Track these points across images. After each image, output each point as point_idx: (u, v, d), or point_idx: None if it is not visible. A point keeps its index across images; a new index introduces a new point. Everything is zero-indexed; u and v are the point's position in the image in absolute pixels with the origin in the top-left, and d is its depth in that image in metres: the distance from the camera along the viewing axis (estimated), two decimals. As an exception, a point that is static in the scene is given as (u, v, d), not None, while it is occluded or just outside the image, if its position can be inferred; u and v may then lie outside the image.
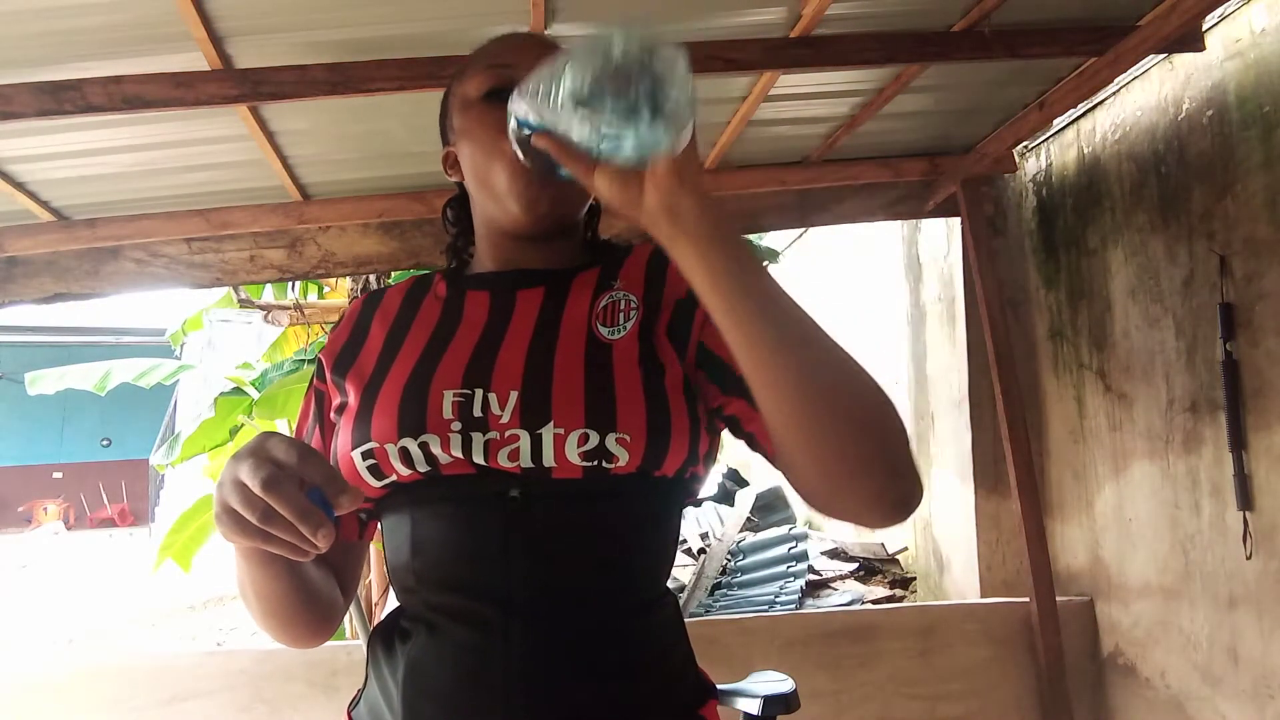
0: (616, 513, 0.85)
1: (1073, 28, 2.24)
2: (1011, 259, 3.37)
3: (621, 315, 0.92)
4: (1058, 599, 2.98)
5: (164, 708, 2.89)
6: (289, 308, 5.20)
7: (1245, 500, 2.32)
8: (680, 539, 0.91)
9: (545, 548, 0.83)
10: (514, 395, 0.85)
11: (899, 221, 4.06)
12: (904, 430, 0.77)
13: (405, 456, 0.84)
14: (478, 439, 0.83)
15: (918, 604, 3.83)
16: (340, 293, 5.36)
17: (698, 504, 1.16)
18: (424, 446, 0.83)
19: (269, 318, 5.27)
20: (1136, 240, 2.73)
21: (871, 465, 0.74)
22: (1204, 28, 2.35)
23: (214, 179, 2.76)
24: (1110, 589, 2.97)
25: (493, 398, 0.85)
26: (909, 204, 3.28)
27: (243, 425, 4.96)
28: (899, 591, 4.27)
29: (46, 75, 2.01)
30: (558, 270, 0.98)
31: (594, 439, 0.82)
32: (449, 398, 0.85)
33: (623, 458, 0.82)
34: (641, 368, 0.86)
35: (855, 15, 2.14)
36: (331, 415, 0.96)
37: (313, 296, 5.52)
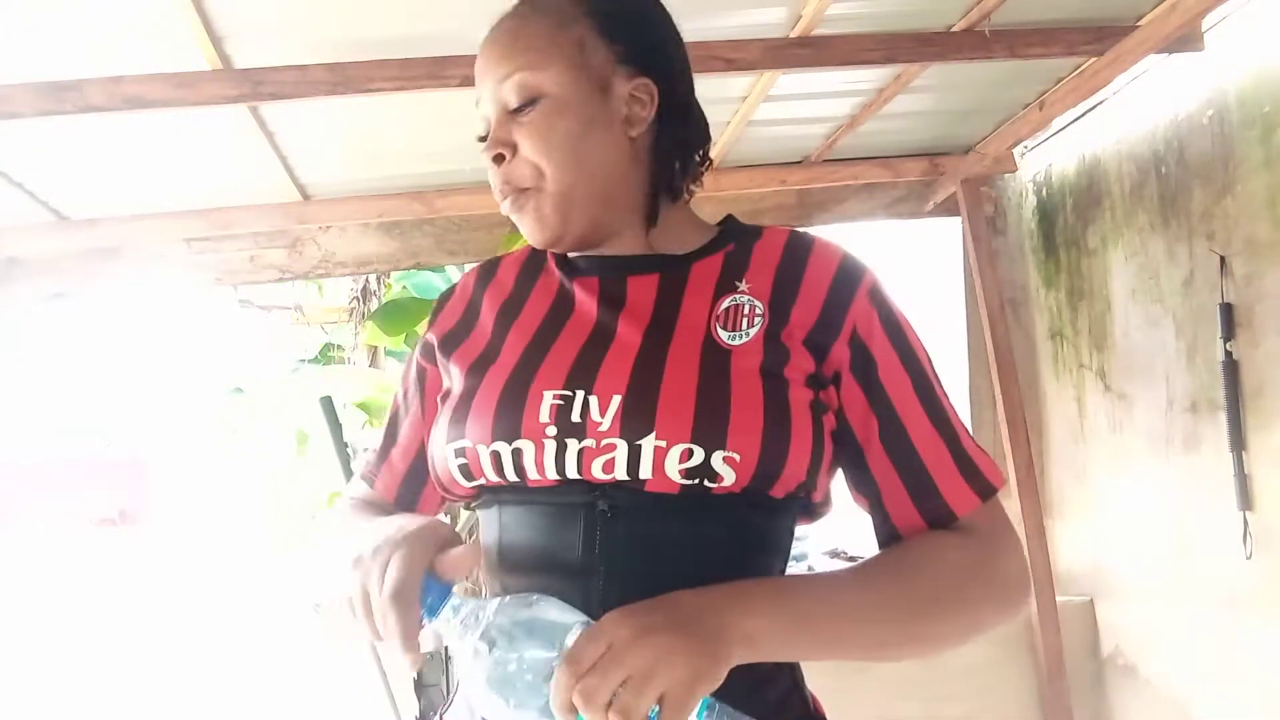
0: (713, 532, 0.79)
1: (1072, 28, 2.24)
2: (1011, 259, 3.37)
3: (745, 320, 0.84)
4: (1058, 599, 2.98)
5: (162, 707, 2.89)
6: (289, 308, 5.20)
7: (1245, 500, 2.32)
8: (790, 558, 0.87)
9: (631, 565, 0.77)
10: (617, 400, 0.78)
11: (899, 221, 4.05)
12: (1010, 598, 0.84)
13: (496, 462, 0.80)
14: (572, 446, 0.78)
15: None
16: (340, 292, 5.36)
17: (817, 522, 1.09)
18: (517, 454, 0.79)
19: (269, 318, 5.27)
20: (1136, 240, 2.73)
21: (982, 633, 0.83)
22: (1204, 28, 2.35)
23: (214, 179, 2.76)
24: (1110, 589, 2.97)
25: (594, 401, 0.79)
26: (909, 204, 3.28)
27: (243, 425, 4.96)
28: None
29: (47, 75, 2.01)
30: (674, 256, 0.89)
31: (699, 455, 0.76)
32: (548, 399, 0.80)
33: (728, 477, 0.76)
34: (764, 379, 0.79)
35: (855, 15, 2.14)
36: (437, 399, 0.91)
37: (313, 296, 5.52)
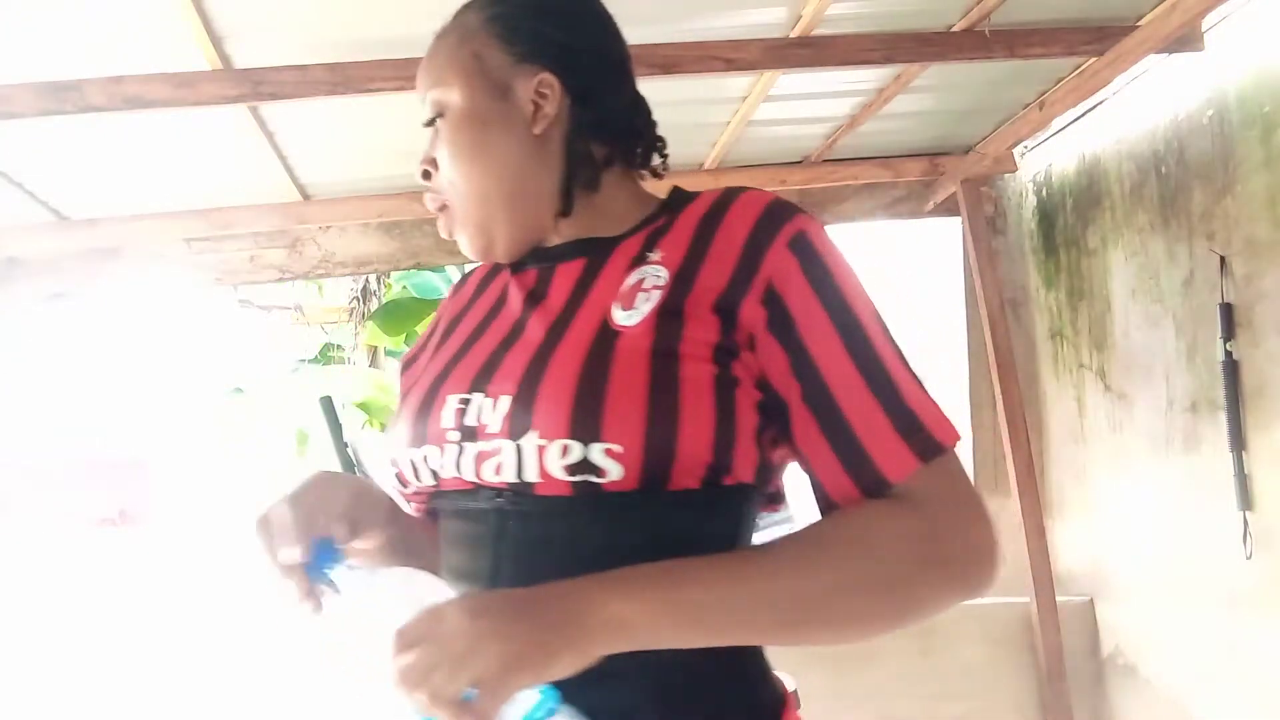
0: (616, 533, 0.74)
1: (1072, 28, 2.24)
2: (1011, 259, 3.37)
3: (643, 296, 0.78)
4: (1058, 599, 2.98)
5: (162, 707, 2.89)
6: (289, 308, 5.20)
7: (1245, 500, 2.32)
8: None
9: (532, 571, 0.72)
10: (506, 400, 0.76)
11: (899, 221, 4.06)
12: (955, 575, 0.75)
13: (413, 469, 0.81)
14: (469, 450, 0.77)
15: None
16: (340, 292, 5.36)
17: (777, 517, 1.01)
18: (424, 460, 0.80)
19: (269, 318, 5.27)
20: (1136, 240, 2.73)
21: (925, 614, 0.76)
22: (1204, 28, 2.35)
23: (214, 179, 2.76)
24: (1110, 589, 2.97)
25: (488, 402, 0.77)
26: (909, 204, 3.28)
27: (243, 425, 4.97)
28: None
29: (47, 75, 2.01)
30: (602, 238, 0.85)
31: (576, 450, 0.71)
32: (451, 404, 0.79)
33: (613, 471, 0.71)
34: (652, 361, 0.74)
35: (855, 15, 2.14)
36: None
37: (313, 296, 5.52)
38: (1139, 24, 2.23)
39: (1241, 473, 2.32)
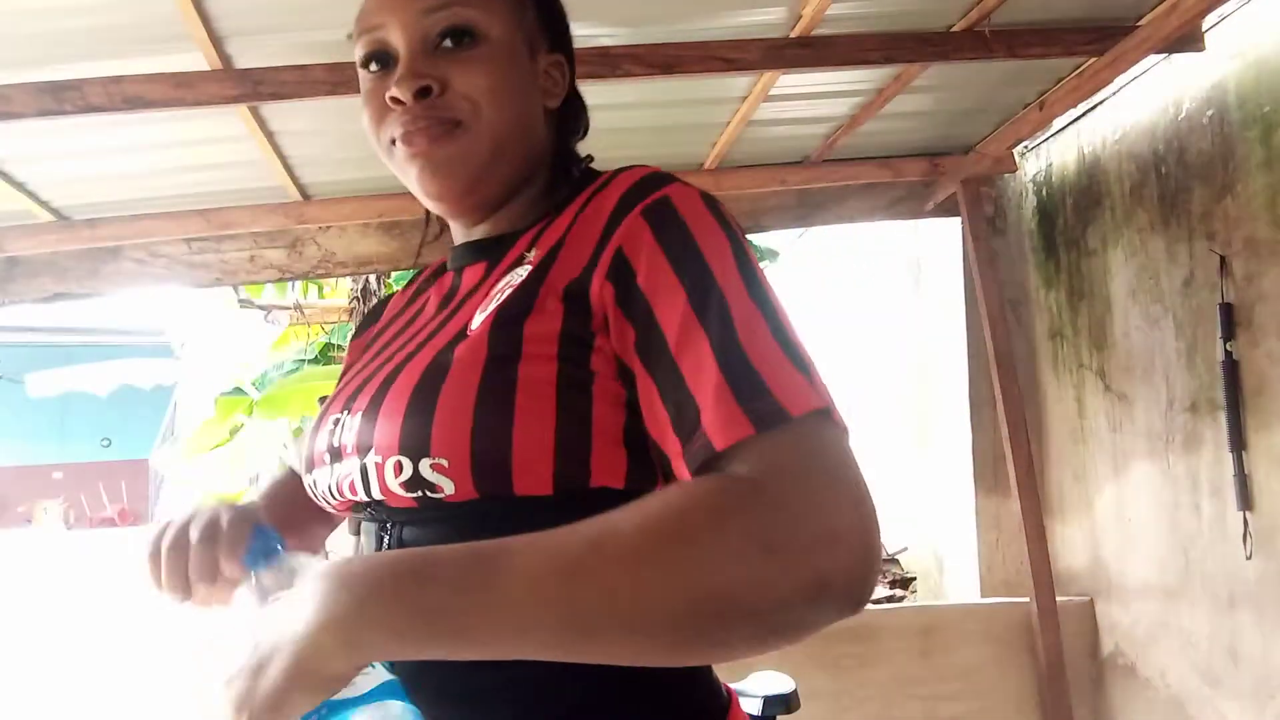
0: (476, 539, 0.66)
1: (1073, 28, 2.25)
2: (1011, 259, 3.37)
3: (498, 292, 0.74)
4: (1058, 599, 2.98)
5: (162, 707, 2.89)
6: (289, 308, 5.20)
7: (1245, 500, 2.32)
8: None
9: None
10: (358, 418, 0.74)
11: (899, 221, 4.06)
12: (790, 567, 0.55)
13: (313, 491, 0.81)
14: (336, 470, 0.75)
15: (918, 604, 3.83)
16: (340, 293, 5.36)
17: None
18: (314, 483, 0.80)
19: (269, 318, 5.27)
20: (1136, 240, 2.73)
21: (762, 625, 0.57)
22: (1204, 28, 2.35)
23: (214, 179, 2.76)
24: (1110, 589, 2.97)
25: (350, 421, 0.75)
26: (909, 204, 3.28)
27: (243, 425, 4.97)
28: (899, 591, 4.27)
29: (47, 75, 2.01)
30: (502, 235, 0.82)
31: (408, 467, 0.68)
32: (328, 424, 0.78)
33: (446, 487, 0.67)
34: (487, 366, 0.68)
35: (855, 15, 2.14)
36: None
37: (313, 296, 5.52)
38: (1139, 24, 2.23)
39: (1241, 473, 2.32)
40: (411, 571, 0.57)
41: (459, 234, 0.87)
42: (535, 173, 0.83)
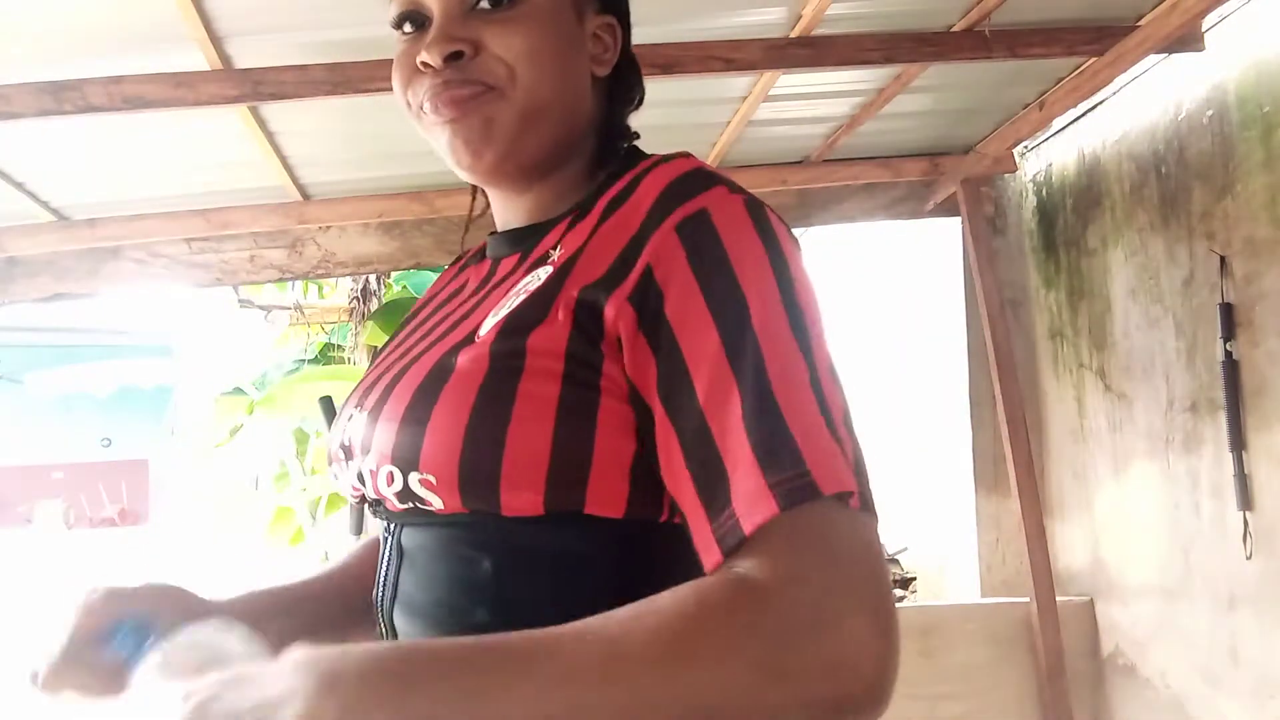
0: (467, 552, 0.67)
1: (1073, 28, 2.24)
2: (1011, 259, 3.37)
3: (514, 294, 0.69)
4: (1058, 599, 2.98)
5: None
6: (289, 308, 5.20)
7: (1245, 500, 2.32)
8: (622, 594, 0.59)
9: (404, 583, 0.71)
10: (364, 417, 0.72)
11: (899, 222, 4.06)
12: (802, 686, 0.52)
13: (334, 482, 0.81)
14: (349, 468, 0.74)
15: (918, 604, 3.83)
16: (340, 293, 5.36)
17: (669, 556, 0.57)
18: (335, 478, 0.79)
19: (269, 318, 5.27)
20: (1136, 240, 2.73)
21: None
22: (1204, 28, 2.35)
23: (214, 179, 2.76)
24: (1110, 589, 2.97)
25: (360, 418, 0.73)
26: (909, 204, 3.28)
27: (243, 425, 4.96)
28: (899, 591, 4.27)
29: (47, 75, 2.01)
30: (537, 224, 0.77)
31: (399, 479, 0.66)
32: (342, 420, 0.76)
33: (434, 502, 0.65)
34: (486, 378, 0.64)
35: (855, 15, 2.14)
36: None
37: (313, 296, 5.52)
38: (1139, 24, 2.23)
39: (1241, 473, 2.32)
40: (401, 680, 0.51)
41: (498, 215, 0.82)
42: (579, 146, 0.77)
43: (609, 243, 0.66)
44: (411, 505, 0.67)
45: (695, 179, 0.66)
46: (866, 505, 0.57)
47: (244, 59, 2.06)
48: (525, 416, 0.63)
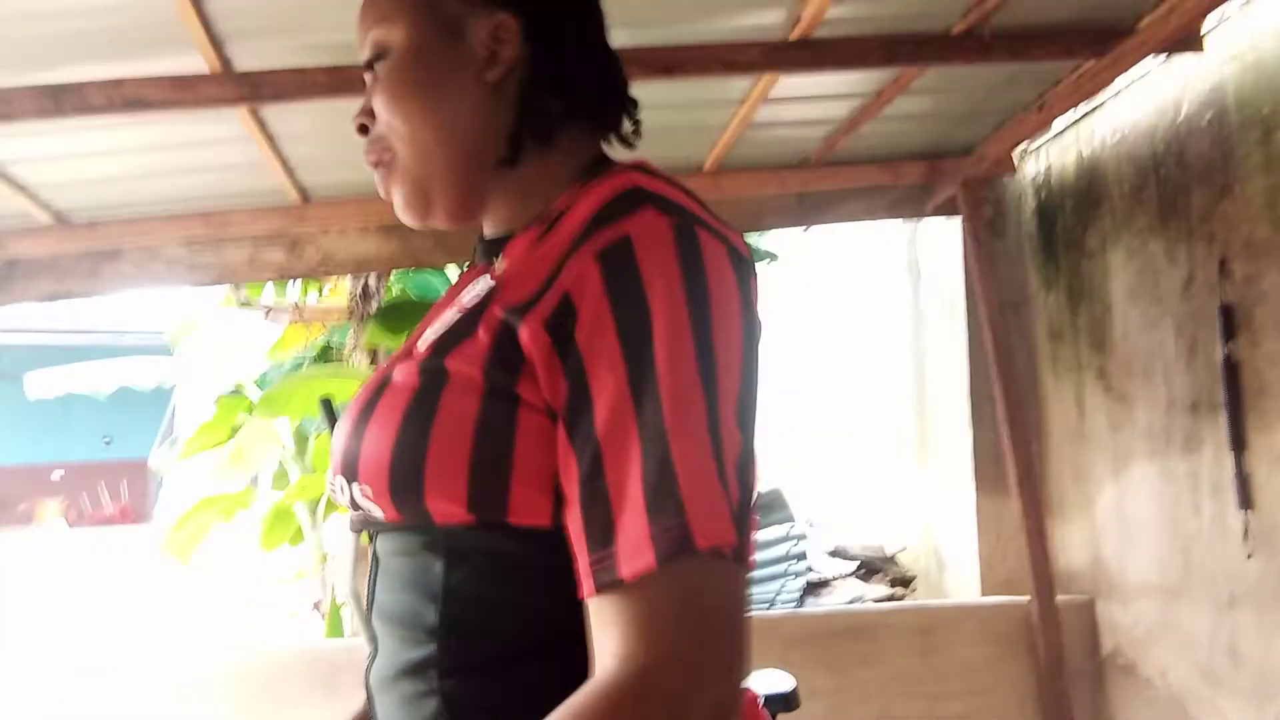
0: (411, 561, 0.70)
1: (1072, 30, 2.24)
2: (1011, 261, 3.37)
3: (455, 308, 0.73)
4: (1058, 598, 2.98)
5: (164, 707, 2.89)
6: (289, 308, 5.20)
7: (1245, 500, 2.32)
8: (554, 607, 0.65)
9: (379, 588, 0.75)
10: (343, 427, 0.75)
11: (899, 222, 4.06)
12: None
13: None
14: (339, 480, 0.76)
15: (918, 603, 3.83)
16: (340, 293, 5.36)
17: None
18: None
19: (269, 318, 5.27)
20: (1136, 242, 2.73)
21: None
22: (1203, 30, 2.35)
23: (214, 181, 2.76)
24: (1110, 589, 2.97)
25: (340, 427, 0.76)
26: (909, 206, 3.28)
27: (243, 425, 4.97)
28: (899, 590, 4.27)
29: (47, 77, 2.01)
30: (501, 237, 0.78)
31: (346, 489, 0.71)
32: (336, 434, 0.78)
33: (375, 511, 0.69)
34: (415, 392, 0.67)
35: (855, 18, 2.14)
36: None
37: (313, 296, 5.52)
38: (1138, 26, 2.23)
39: (1241, 473, 2.33)
40: None
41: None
42: (504, 155, 0.76)
43: (540, 263, 0.67)
44: (362, 514, 0.71)
45: (627, 199, 0.66)
46: (740, 556, 0.59)
47: (244, 62, 2.06)
48: (445, 431, 0.65)
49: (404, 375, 0.69)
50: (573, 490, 0.61)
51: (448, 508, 0.65)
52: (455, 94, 0.75)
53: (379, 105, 0.77)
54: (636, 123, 0.80)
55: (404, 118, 0.75)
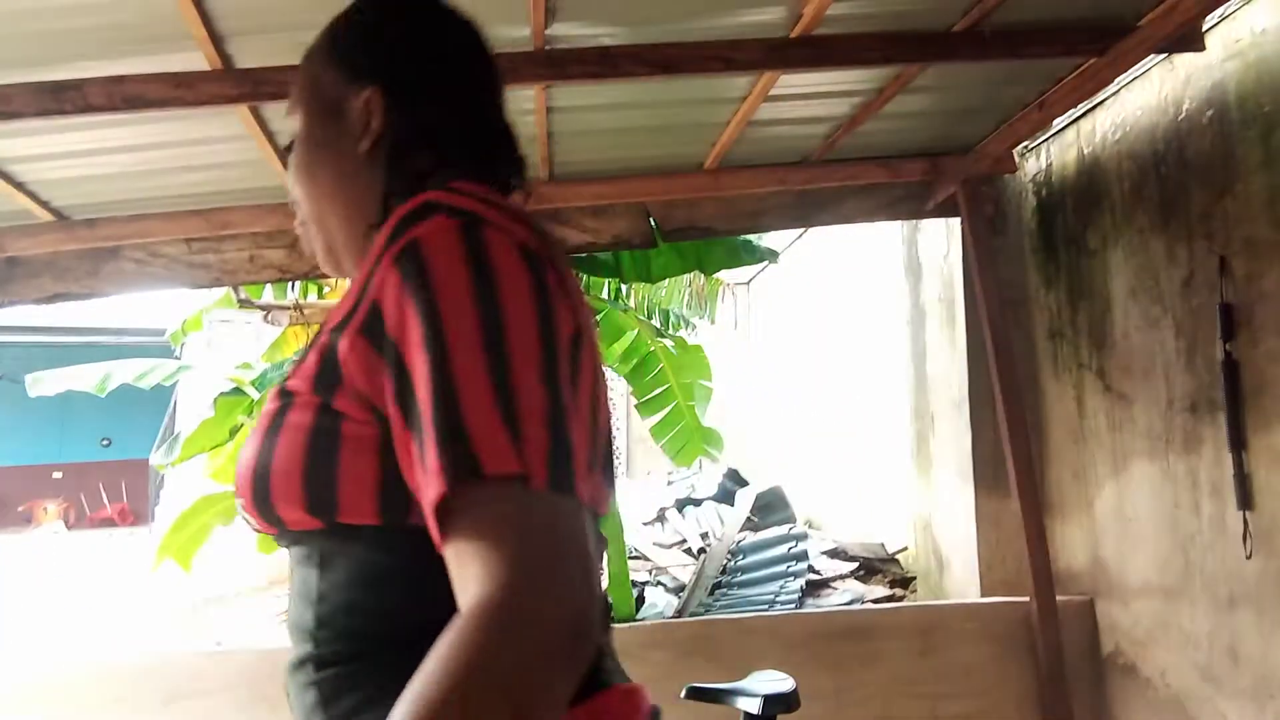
0: (300, 571, 0.80)
1: (1072, 28, 2.24)
2: (1011, 259, 3.37)
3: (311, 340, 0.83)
4: (1058, 599, 2.98)
5: (164, 707, 2.89)
6: (289, 308, 5.20)
7: (1245, 500, 2.32)
8: (409, 603, 0.73)
9: (289, 596, 0.83)
10: None
11: (899, 221, 4.06)
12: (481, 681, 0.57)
13: None
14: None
15: (918, 604, 3.83)
16: (340, 293, 5.35)
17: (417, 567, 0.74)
18: None
19: (269, 318, 5.27)
20: (1136, 240, 2.73)
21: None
22: (1204, 28, 2.35)
23: (214, 179, 2.76)
24: (1110, 589, 2.97)
25: None
26: (909, 204, 3.28)
27: (242, 425, 4.96)
28: (899, 591, 4.27)
29: (47, 75, 2.01)
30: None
31: (238, 503, 0.81)
32: None
33: (251, 522, 0.79)
34: (272, 415, 0.77)
35: (855, 15, 2.14)
36: None
37: (312, 296, 5.52)
38: (1139, 24, 2.23)
39: (1241, 473, 2.32)
40: None
41: None
42: (370, 225, 0.85)
43: (355, 284, 0.77)
44: (252, 527, 0.80)
45: (419, 212, 0.74)
46: (560, 487, 0.64)
47: (244, 59, 2.06)
48: (286, 443, 0.74)
49: (270, 400, 0.79)
50: (412, 455, 0.68)
51: (294, 513, 0.74)
52: (336, 167, 0.87)
53: (289, 182, 0.91)
54: (520, 168, 0.88)
55: (302, 194, 0.89)
